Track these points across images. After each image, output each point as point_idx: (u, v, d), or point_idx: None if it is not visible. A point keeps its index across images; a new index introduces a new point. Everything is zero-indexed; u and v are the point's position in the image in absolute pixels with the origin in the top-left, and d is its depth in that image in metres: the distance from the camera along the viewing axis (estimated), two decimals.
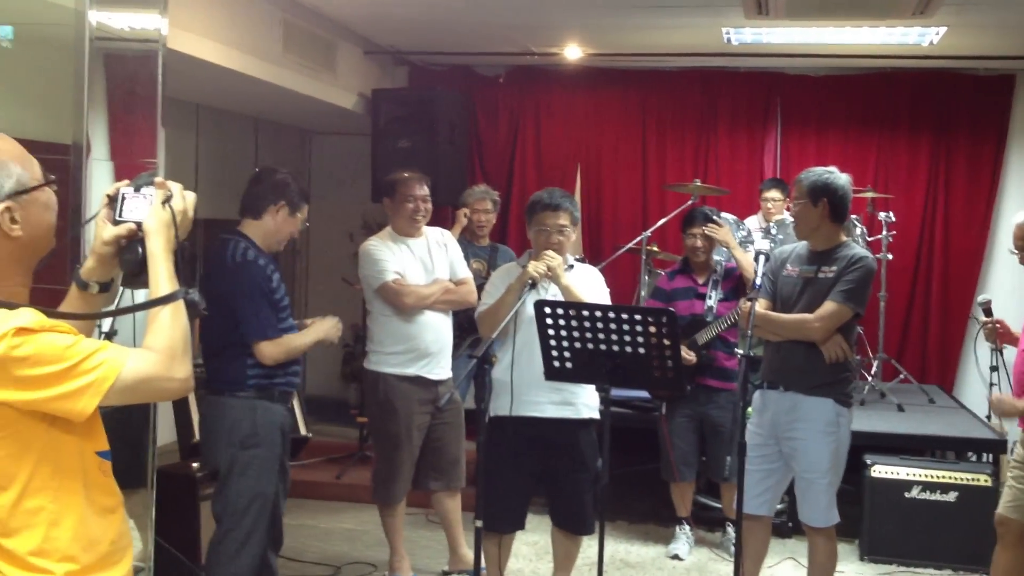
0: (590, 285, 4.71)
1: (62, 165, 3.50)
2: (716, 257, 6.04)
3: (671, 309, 4.78)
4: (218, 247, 4.34)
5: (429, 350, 5.23)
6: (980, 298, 4.83)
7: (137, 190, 2.19)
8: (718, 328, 5.74)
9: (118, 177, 3.89)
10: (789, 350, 4.57)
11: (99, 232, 2.21)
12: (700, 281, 5.96)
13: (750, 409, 4.77)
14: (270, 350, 4.25)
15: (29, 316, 1.94)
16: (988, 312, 4.76)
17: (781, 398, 4.60)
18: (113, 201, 2.20)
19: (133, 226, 2.17)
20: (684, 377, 4.39)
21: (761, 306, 4.57)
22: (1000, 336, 4.74)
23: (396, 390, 5.19)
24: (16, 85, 3.81)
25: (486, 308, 4.67)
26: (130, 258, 2.18)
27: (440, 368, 5.30)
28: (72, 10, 3.65)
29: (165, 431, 5.19)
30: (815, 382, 4.50)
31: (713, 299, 5.87)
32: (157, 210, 2.15)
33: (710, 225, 5.90)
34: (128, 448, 3.83)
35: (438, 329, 5.29)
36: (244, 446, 4.21)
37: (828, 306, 4.44)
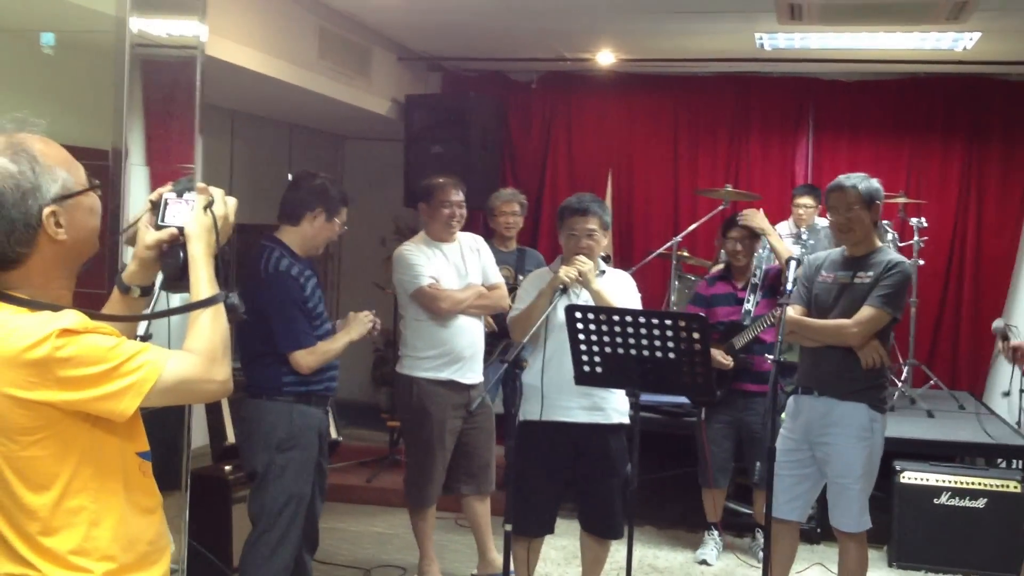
0: (621, 290, 4.72)
1: (102, 170, 3.54)
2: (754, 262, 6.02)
3: (702, 314, 4.78)
4: (254, 256, 4.36)
5: (463, 354, 5.24)
6: (995, 324, 4.69)
7: (179, 195, 2.21)
8: (756, 330, 5.71)
9: (154, 182, 3.95)
10: (824, 355, 4.56)
11: (141, 236, 2.23)
12: (740, 286, 5.94)
13: (784, 415, 4.77)
14: (306, 359, 4.29)
15: (73, 318, 1.96)
16: (1005, 338, 4.56)
17: (815, 403, 4.58)
18: (156, 206, 2.23)
19: (175, 231, 2.19)
20: (714, 383, 4.39)
21: (796, 312, 4.57)
22: (1021, 360, 4.53)
23: (430, 394, 5.20)
24: (58, 91, 3.86)
25: (518, 313, 4.69)
26: (172, 262, 2.20)
27: (473, 372, 5.31)
28: (113, 17, 3.70)
29: (198, 434, 5.25)
30: (850, 387, 4.49)
31: (751, 303, 5.84)
32: (199, 215, 2.18)
33: (744, 213, 5.89)
34: (162, 451, 3.87)
35: (471, 333, 5.30)
36: (281, 449, 4.25)
37: (866, 311, 4.42)
